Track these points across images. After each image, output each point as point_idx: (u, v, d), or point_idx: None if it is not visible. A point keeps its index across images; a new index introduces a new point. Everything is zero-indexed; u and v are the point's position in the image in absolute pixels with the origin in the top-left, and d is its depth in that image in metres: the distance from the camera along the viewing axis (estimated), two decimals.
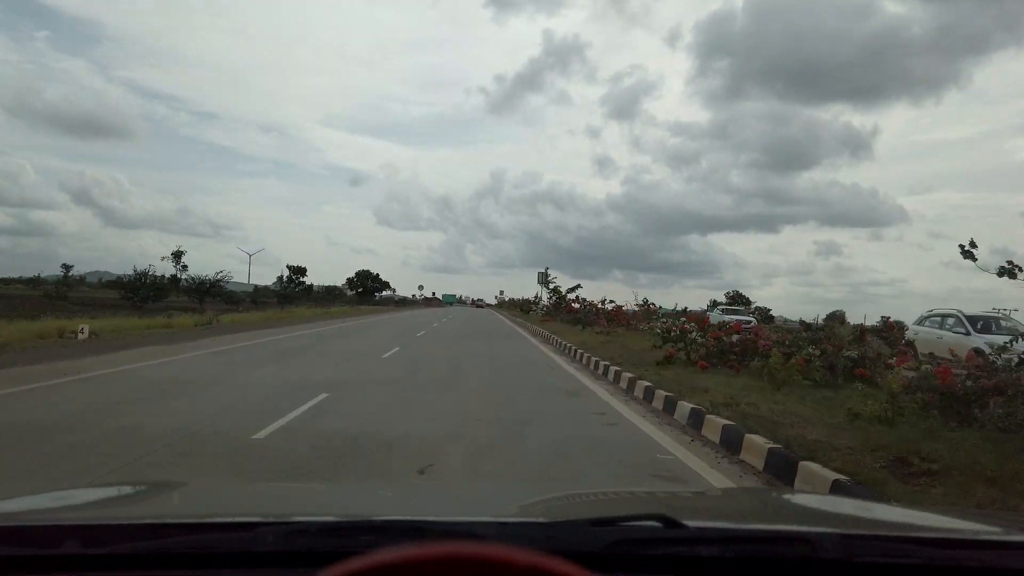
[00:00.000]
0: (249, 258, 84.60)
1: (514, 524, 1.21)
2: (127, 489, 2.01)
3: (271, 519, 1.24)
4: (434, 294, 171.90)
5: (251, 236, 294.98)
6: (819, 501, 2.12)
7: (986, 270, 6.10)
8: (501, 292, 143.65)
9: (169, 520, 1.31)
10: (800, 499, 2.18)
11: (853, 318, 20.95)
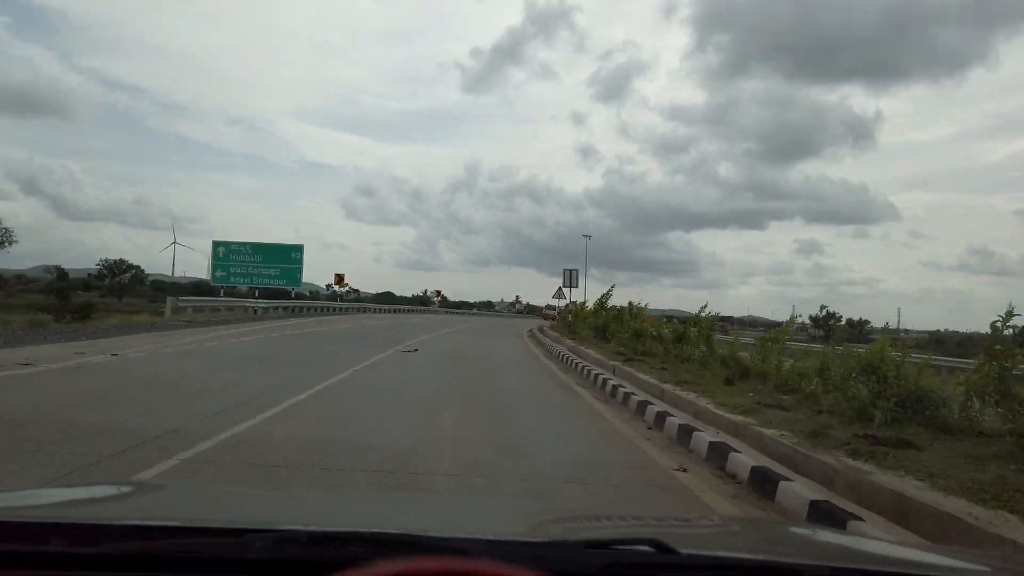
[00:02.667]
0: (173, 248, 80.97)
1: (506, 542, 1.20)
2: (112, 489, 2.01)
3: (261, 526, 1.23)
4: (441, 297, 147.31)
5: (216, 230, 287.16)
6: (813, 533, 2.12)
7: None
8: (517, 298, 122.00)
9: (158, 523, 1.31)
10: (794, 530, 2.18)
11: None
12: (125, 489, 1.98)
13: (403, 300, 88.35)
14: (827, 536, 1.99)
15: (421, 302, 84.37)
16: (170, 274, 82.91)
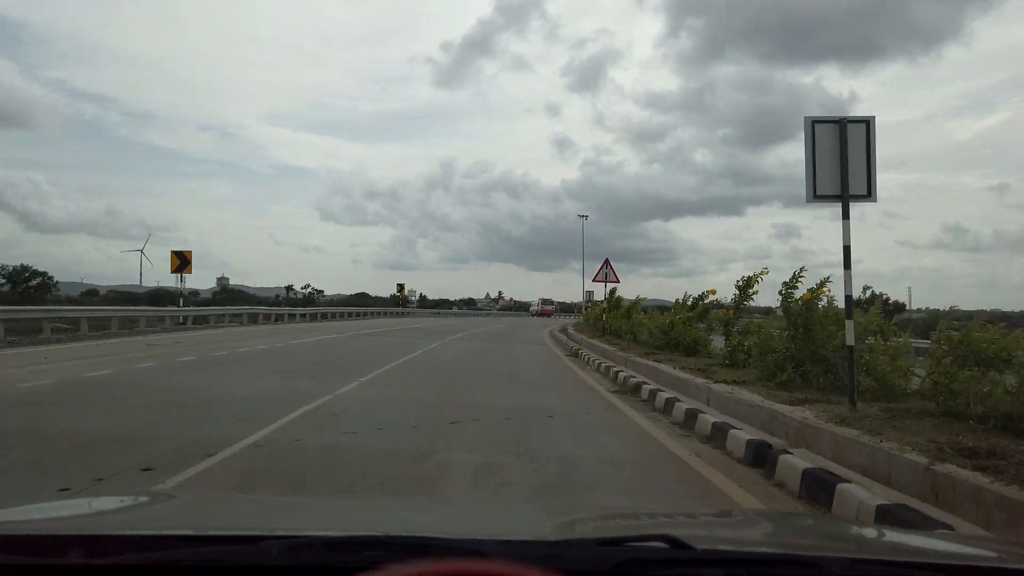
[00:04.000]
0: (140, 256, 78.72)
1: (520, 542, 1.21)
2: (127, 500, 2.01)
3: (276, 533, 1.23)
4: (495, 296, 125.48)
5: (190, 238, 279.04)
6: (829, 524, 2.13)
7: None
8: (500, 293, 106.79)
9: (174, 532, 1.30)
10: (810, 522, 2.19)
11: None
12: (142, 500, 1.98)
13: (377, 301, 79.15)
14: (847, 528, 2.00)
15: (396, 302, 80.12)
16: (138, 283, 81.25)
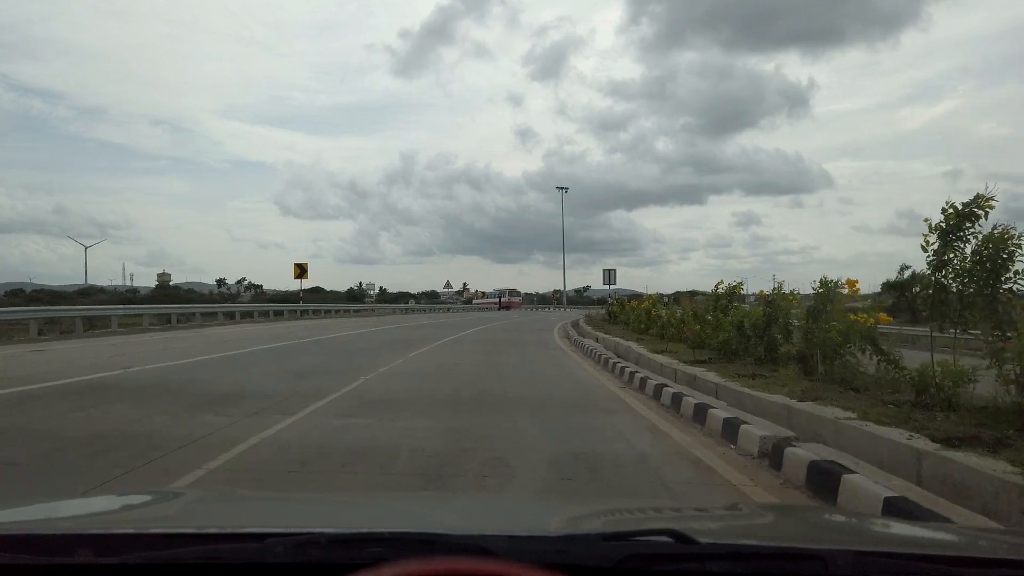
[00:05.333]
0: (85, 251, 76.61)
1: (524, 538, 1.22)
2: (132, 498, 1.99)
3: (281, 530, 1.22)
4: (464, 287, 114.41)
5: (145, 236, 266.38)
6: (835, 517, 2.17)
7: None
8: (464, 285, 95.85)
9: (179, 530, 1.29)
10: (816, 515, 2.22)
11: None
12: (147, 498, 1.95)
13: (335, 297, 71.65)
14: (854, 521, 2.03)
15: (352, 297, 75.68)
16: (83, 281, 77.97)
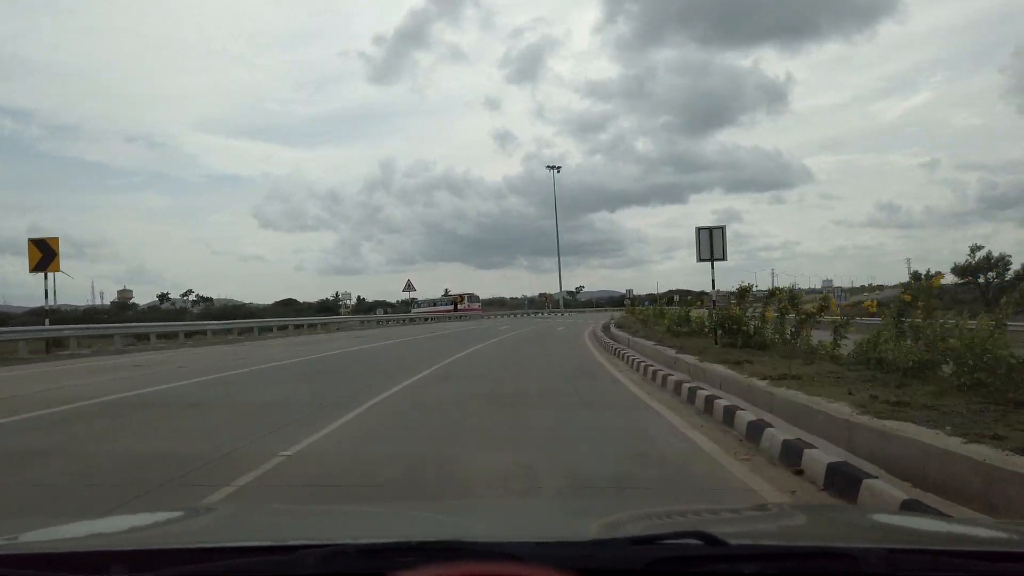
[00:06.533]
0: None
1: (552, 543, 1.21)
2: (163, 515, 1.98)
3: (311, 542, 1.21)
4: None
5: (123, 253, 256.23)
6: (865, 515, 2.17)
7: None
8: (446, 291, 75.43)
9: (211, 544, 1.29)
10: (845, 514, 2.23)
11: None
12: (179, 514, 1.95)
13: (306, 309, 62.47)
14: (885, 518, 2.03)
15: (325, 308, 68.00)
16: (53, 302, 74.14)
